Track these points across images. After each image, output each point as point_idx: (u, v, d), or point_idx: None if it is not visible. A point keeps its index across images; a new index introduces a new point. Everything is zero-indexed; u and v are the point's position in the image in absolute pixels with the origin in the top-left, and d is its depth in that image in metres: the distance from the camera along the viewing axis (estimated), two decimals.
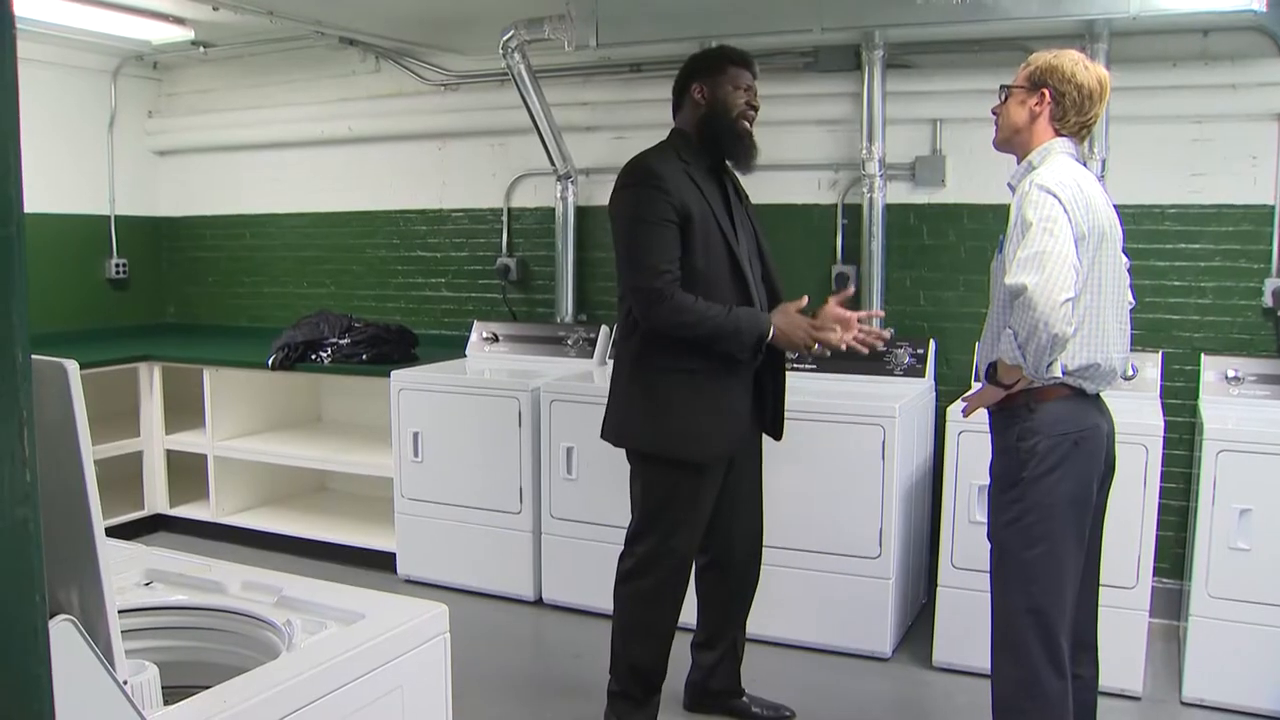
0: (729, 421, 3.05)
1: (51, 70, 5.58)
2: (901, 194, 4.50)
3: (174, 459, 5.43)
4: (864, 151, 4.37)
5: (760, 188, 3.91)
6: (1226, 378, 3.86)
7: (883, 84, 4.30)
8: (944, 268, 4.47)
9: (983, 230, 4.37)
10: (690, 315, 2.89)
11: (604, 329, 4.85)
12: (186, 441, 5.33)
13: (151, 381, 5.33)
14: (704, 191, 3.00)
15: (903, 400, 3.87)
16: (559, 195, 5.04)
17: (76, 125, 5.79)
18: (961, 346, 4.35)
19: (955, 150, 4.41)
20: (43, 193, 5.56)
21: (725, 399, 3.03)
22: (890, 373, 4.26)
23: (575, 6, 4.24)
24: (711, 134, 3.06)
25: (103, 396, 5.18)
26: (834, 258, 4.63)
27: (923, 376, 4.22)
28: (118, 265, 5.99)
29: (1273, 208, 3.94)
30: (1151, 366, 3.97)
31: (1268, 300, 3.93)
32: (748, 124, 3.07)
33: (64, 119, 5.71)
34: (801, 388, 3.98)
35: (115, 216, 5.98)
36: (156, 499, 5.41)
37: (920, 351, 4.27)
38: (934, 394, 4.30)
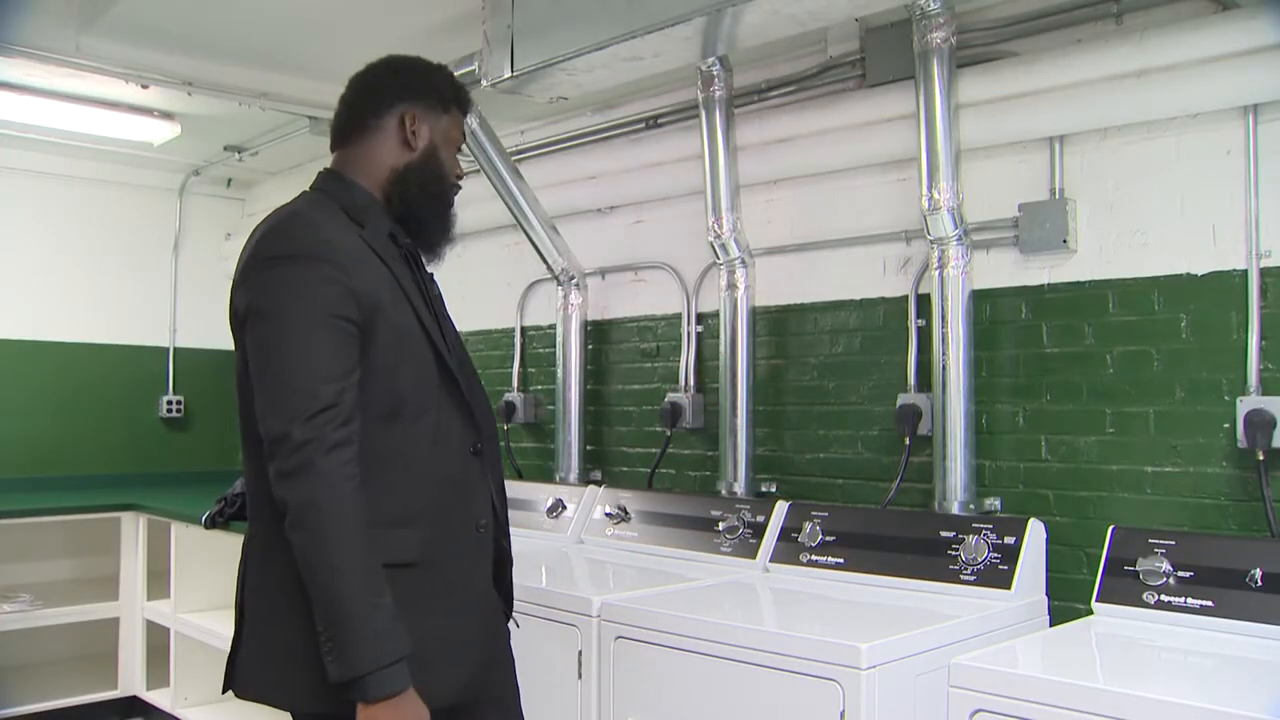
0: (456, 653, 1.78)
1: (117, 190, 5.17)
2: (998, 270, 2.70)
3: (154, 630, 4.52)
4: (925, 202, 2.62)
5: (796, 280, 2.78)
6: None
7: (948, 83, 2.58)
8: (1077, 394, 2.57)
9: (1146, 325, 2.45)
10: (341, 530, 1.62)
11: None
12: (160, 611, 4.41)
13: (136, 535, 4.51)
14: (394, 271, 1.85)
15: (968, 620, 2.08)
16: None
17: (140, 248, 5.30)
18: (1103, 531, 2.39)
19: (1088, 188, 2.56)
20: (101, 323, 5.11)
21: (452, 618, 1.78)
22: (957, 575, 2.41)
23: (490, 26, 2.97)
24: (414, 196, 1.94)
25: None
26: (903, 383, 2.86)
27: (1008, 588, 2.33)
28: (171, 403, 5.33)
29: None
30: None
31: None
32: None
33: (127, 241, 5.25)
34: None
35: (174, 349, 5.37)
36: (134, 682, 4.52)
37: (1010, 541, 2.38)
38: (1038, 615, 2.38)
